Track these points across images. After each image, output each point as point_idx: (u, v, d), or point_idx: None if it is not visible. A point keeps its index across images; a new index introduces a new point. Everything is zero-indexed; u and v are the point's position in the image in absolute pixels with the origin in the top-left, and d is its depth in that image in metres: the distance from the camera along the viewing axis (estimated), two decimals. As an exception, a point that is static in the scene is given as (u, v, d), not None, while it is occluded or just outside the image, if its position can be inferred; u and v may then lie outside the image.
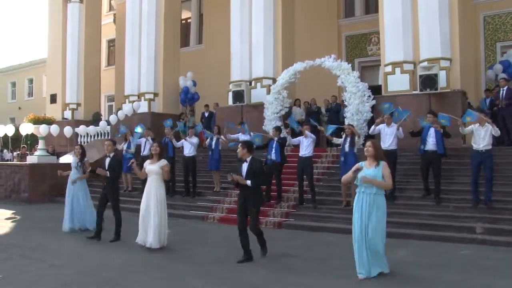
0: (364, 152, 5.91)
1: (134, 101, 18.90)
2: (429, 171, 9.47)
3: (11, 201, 14.51)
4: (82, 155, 9.41)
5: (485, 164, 8.70)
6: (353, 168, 5.88)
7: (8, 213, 12.14)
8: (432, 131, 9.35)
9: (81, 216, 9.26)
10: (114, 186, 8.37)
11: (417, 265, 6.46)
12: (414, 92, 12.27)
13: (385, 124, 9.89)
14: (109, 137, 18.33)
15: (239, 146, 6.87)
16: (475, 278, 5.81)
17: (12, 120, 34.23)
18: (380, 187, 5.71)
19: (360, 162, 5.94)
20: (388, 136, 9.76)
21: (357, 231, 5.70)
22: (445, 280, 5.69)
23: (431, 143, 9.35)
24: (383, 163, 5.76)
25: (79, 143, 9.39)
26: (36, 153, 15.88)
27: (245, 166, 6.65)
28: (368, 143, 5.94)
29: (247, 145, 6.86)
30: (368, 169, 5.75)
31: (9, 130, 18.22)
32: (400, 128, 9.74)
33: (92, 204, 9.38)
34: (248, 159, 6.67)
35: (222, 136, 12.15)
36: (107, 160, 8.34)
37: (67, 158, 15.70)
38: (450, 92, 11.84)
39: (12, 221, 10.84)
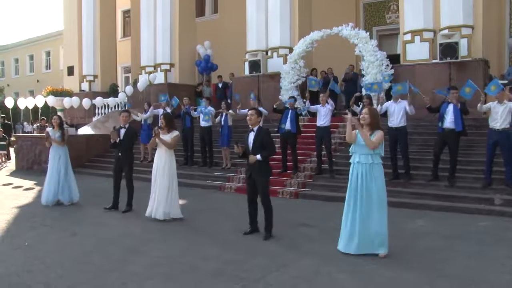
0: (360, 120, 5.46)
1: (150, 72, 18.94)
2: (443, 151, 8.92)
3: (33, 172, 14.82)
4: (60, 125, 9.17)
5: (502, 145, 8.14)
6: (349, 124, 5.40)
7: (30, 183, 12.43)
8: (451, 107, 8.64)
9: (58, 189, 8.90)
10: (129, 157, 8.28)
11: (434, 235, 6.46)
12: (433, 61, 12.02)
13: (392, 101, 9.39)
14: (126, 108, 18.50)
15: (250, 114, 6.43)
16: (493, 249, 5.79)
17: (31, 93, 34.61)
18: (366, 142, 5.28)
19: (355, 131, 5.49)
20: (397, 113, 9.20)
21: (352, 202, 5.42)
22: (462, 251, 5.68)
23: (448, 120, 8.65)
24: (379, 132, 5.34)
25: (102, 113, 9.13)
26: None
27: (251, 136, 6.34)
28: (365, 110, 5.54)
29: (260, 112, 6.58)
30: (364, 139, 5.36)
31: (29, 103, 18.50)
32: (411, 105, 9.14)
33: (72, 178, 9.10)
34: (255, 128, 6.35)
35: (230, 111, 11.89)
36: (122, 131, 8.24)
37: (85, 130, 15.92)
38: (471, 61, 11.56)
39: (34, 192, 11.10)
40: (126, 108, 14.29)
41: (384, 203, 5.44)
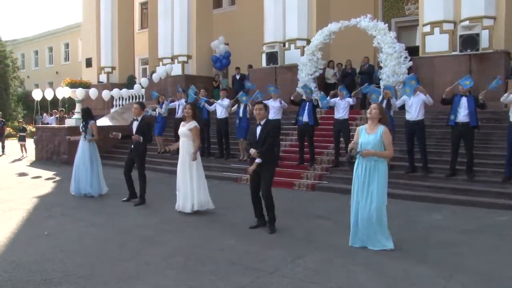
0: (367, 114, 5.48)
1: (167, 64, 19.01)
2: (459, 146, 8.77)
3: (53, 162, 15.05)
4: (86, 117, 9.15)
5: None
6: (354, 139, 5.48)
7: (50, 174, 12.63)
8: (464, 100, 8.44)
9: (85, 182, 8.92)
10: (142, 150, 8.17)
11: (452, 229, 6.39)
12: (453, 53, 11.83)
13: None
14: (142, 100, 18.64)
15: (259, 108, 6.30)
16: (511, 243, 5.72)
17: (50, 85, 35.08)
18: (382, 157, 5.35)
19: (361, 126, 5.54)
20: (414, 106, 9.04)
21: (355, 199, 5.43)
22: (481, 245, 5.62)
23: (462, 114, 8.44)
24: (383, 129, 5.31)
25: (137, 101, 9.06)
26: (74, 116, 16.28)
27: (259, 130, 6.24)
28: (373, 105, 5.50)
29: (266, 106, 6.44)
30: (369, 135, 5.35)
31: (48, 94, 18.76)
32: (427, 95, 9.01)
33: (99, 171, 9.12)
34: (263, 122, 6.25)
35: (249, 105, 11.70)
36: (135, 124, 8.18)
37: (103, 121, 16.08)
38: (493, 53, 11.35)
39: (54, 182, 11.28)
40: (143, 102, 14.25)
41: (383, 198, 5.38)
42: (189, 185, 7.36)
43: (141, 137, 8.07)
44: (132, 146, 8.20)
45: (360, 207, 5.39)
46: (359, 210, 5.41)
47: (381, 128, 5.35)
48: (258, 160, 6.10)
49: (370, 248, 5.36)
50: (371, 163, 5.35)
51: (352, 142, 5.51)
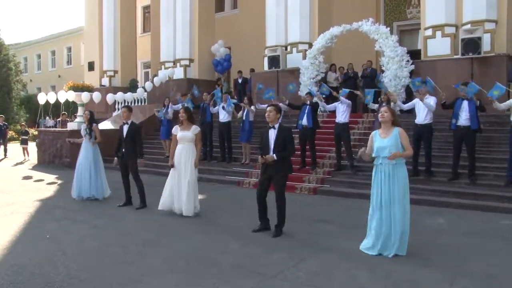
0: (379, 118, 5.42)
1: (170, 68, 19.04)
2: (461, 150, 8.76)
3: (55, 166, 15.07)
4: (90, 121, 9.14)
5: None
6: (368, 145, 5.40)
7: (52, 177, 12.63)
8: (465, 104, 8.45)
9: (88, 185, 8.91)
10: (133, 153, 8.14)
11: (455, 233, 6.38)
12: (455, 56, 11.82)
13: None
14: (146, 104, 18.65)
15: (269, 110, 6.26)
16: (515, 247, 5.69)
17: (53, 88, 35.14)
18: (404, 157, 5.27)
19: (374, 132, 5.46)
20: (422, 110, 9.00)
21: (374, 205, 5.34)
22: (484, 249, 5.60)
23: (464, 117, 8.45)
24: (398, 130, 5.23)
25: (125, 105, 9.12)
26: (76, 119, 16.30)
27: (272, 133, 6.18)
28: (384, 108, 5.40)
29: (279, 108, 6.42)
30: (384, 139, 5.24)
31: (51, 98, 18.75)
32: (426, 100, 8.87)
33: (102, 174, 9.14)
34: (276, 126, 6.20)
35: (252, 107, 11.74)
36: (125, 128, 8.15)
37: (106, 125, 16.10)
38: (494, 57, 11.33)
39: (56, 185, 11.29)
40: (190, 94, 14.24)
41: (407, 204, 5.31)
42: (188, 189, 7.35)
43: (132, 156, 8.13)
44: (124, 150, 8.19)
45: (383, 215, 5.26)
46: (382, 218, 5.27)
47: (396, 130, 5.26)
48: (274, 156, 6.03)
49: (385, 255, 5.24)
50: (389, 167, 5.24)
51: (363, 147, 5.45)
